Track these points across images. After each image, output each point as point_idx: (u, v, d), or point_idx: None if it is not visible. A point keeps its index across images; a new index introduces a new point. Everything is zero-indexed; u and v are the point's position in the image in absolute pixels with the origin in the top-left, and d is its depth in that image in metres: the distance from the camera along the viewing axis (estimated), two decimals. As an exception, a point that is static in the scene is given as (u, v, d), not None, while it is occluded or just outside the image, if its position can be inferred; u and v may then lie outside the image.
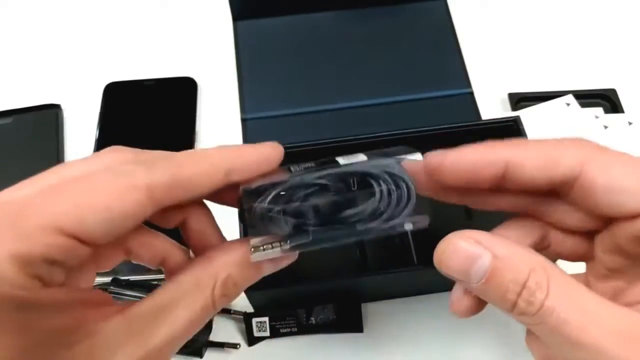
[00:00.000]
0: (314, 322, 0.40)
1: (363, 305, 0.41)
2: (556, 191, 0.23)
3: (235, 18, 0.54)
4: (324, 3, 0.54)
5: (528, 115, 0.47)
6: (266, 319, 0.39)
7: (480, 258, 0.21)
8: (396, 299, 0.41)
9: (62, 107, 0.50)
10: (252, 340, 0.39)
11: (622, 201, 0.21)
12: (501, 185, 0.23)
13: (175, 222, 0.24)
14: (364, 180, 0.22)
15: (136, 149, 0.22)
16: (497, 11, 0.56)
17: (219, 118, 0.50)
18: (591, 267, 0.24)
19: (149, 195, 0.19)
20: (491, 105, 0.50)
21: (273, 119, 0.49)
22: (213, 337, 0.39)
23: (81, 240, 0.18)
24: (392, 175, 0.22)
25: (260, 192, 0.22)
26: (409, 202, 0.22)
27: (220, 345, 0.39)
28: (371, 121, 0.49)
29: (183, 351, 0.38)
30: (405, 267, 0.39)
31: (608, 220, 0.22)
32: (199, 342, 0.38)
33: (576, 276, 0.23)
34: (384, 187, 0.22)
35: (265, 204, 0.22)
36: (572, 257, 0.25)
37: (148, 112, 0.50)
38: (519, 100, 0.49)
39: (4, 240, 0.17)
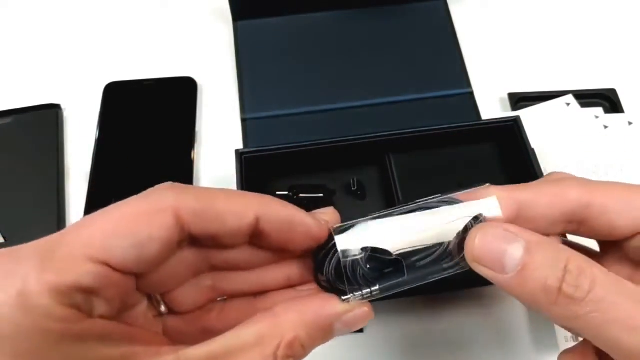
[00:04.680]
0: (314, 322, 0.39)
1: (363, 305, 0.41)
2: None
3: (235, 18, 0.54)
4: (324, 3, 0.54)
5: (528, 115, 0.47)
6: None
7: (512, 244, 0.20)
8: (396, 299, 0.41)
9: (62, 107, 0.50)
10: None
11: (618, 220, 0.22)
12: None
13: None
14: None
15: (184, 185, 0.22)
16: (497, 11, 0.56)
17: (219, 118, 0.50)
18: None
19: (177, 219, 0.20)
20: (491, 105, 0.50)
21: (273, 119, 0.49)
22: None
23: (114, 268, 0.19)
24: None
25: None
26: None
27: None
28: (371, 121, 0.49)
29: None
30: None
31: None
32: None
33: None
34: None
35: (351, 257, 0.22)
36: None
37: (148, 112, 0.50)
38: (519, 100, 0.49)
39: (39, 275, 0.17)
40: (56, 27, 0.56)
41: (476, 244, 0.21)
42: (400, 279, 0.23)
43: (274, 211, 0.22)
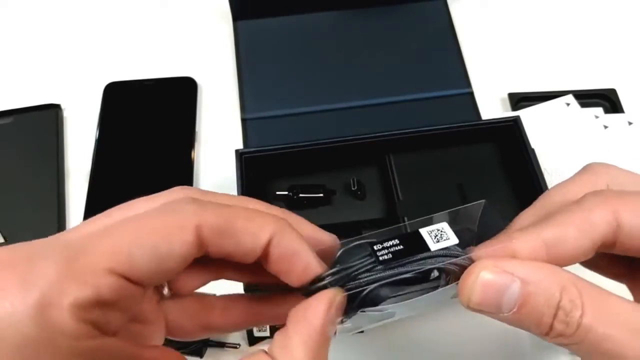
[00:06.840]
0: (314, 322, 0.39)
1: (363, 305, 0.41)
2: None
3: (235, 18, 0.54)
4: (324, 3, 0.54)
5: (528, 115, 0.47)
6: (266, 319, 0.39)
7: (509, 287, 0.20)
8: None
9: (62, 107, 0.50)
10: (252, 340, 0.39)
11: None
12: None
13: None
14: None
15: (202, 190, 0.22)
16: (497, 11, 0.56)
17: (219, 118, 0.50)
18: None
19: (197, 237, 0.19)
20: (491, 105, 0.50)
21: (273, 119, 0.49)
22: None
23: (131, 281, 0.19)
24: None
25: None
26: None
27: (221, 345, 0.39)
28: (371, 121, 0.49)
29: (183, 351, 0.38)
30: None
31: None
32: (199, 341, 0.38)
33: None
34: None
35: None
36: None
37: (148, 112, 0.50)
38: (519, 100, 0.49)
39: (60, 286, 0.17)
40: (56, 27, 0.56)
41: (474, 292, 0.21)
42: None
43: (286, 238, 0.21)
